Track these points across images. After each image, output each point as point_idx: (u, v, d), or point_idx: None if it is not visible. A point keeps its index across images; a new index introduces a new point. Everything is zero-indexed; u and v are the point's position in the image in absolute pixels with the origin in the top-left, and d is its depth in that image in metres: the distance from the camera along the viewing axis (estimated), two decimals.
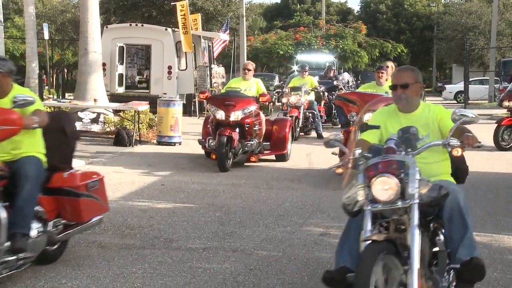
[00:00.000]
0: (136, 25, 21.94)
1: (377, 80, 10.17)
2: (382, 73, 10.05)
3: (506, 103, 13.77)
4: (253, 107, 10.40)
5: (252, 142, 10.49)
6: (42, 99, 15.97)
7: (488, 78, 36.18)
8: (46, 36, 24.05)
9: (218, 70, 24.63)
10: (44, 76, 21.97)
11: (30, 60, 22.63)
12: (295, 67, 30.92)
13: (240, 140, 10.28)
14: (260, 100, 10.67)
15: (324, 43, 36.33)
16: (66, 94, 20.67)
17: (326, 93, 18.08)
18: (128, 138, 12.98)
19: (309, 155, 12.44)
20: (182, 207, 7.53)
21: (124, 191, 8.42)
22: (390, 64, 11.05)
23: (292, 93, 15.47)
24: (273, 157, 11.50)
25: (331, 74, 19.74)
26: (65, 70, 42.83)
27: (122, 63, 21.38)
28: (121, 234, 6.28)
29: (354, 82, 25.87)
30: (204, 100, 11.67)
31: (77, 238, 6.05)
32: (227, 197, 8.24)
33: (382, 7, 58.42)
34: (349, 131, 8.21)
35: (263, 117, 11.05)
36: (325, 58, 32.13)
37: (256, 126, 10.59)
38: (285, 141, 11.38)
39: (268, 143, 11.17)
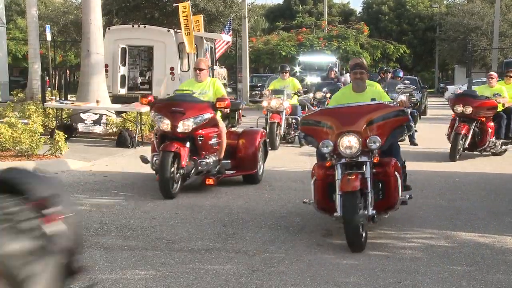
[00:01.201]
0: (139, 26, 21.98)
1: (354, 84, 6.92)
2: (362, 73, 6.78)
3: (459, 108, 11.85)
4: (207, 115, 8.35)
5: (208, 160, 8.38)
6: (44, 100, 16.02)
7: None
8: (49, 38, 24.08)
9: (220, 72, 24.67)
10: (47, 77, 21.98)
11: (32, 62, 22.78)
12: (297, 68, 30.94)
13: (192, 158, 8.26)
14: (217, 105, 8.47)
15: (326, 44, 36.37)
16: (69, 96, 20.68)
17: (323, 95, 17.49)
18: (131, 139, 12.99)
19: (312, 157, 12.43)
20: (184, 208, 7.53)
21: (126, 193, 8.42)
22: (360, 60, 7.88)
23: (274, 96, 13.75)
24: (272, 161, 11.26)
25: (333, 75, 19.69)
26: (68, 72, 42.88)
27: (124, 65, 21.39)
28: (124, 236, 6.28)
29: None
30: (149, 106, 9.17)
31: None
32: (229, 198, 8.24)
33: (384, 8, 58.44)
34: (325, 166, 6.09)
35: (223, 127, 8.88)
36: (327, 59, 32.12)
37: (214, 139, 8.52)
38: (254, 159, 9.24)
39: (229, 161, 9.01)
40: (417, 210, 7.64)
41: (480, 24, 42.97)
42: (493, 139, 12.13)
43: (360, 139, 5.83)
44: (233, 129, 9.63)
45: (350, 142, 5.84)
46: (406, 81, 16.31)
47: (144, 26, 21.96)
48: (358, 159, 5.90)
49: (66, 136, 11.39)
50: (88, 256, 5.57)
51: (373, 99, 6.43)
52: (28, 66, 24.14)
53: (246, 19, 30.54)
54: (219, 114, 8.86)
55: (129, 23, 24.75)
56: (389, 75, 16.20)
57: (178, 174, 8.07)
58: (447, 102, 38.85)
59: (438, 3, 57.08)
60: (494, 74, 12.79)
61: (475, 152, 12.32)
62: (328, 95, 17.94)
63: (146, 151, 12.78)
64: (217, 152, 8.65)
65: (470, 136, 11.85)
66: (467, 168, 11.16)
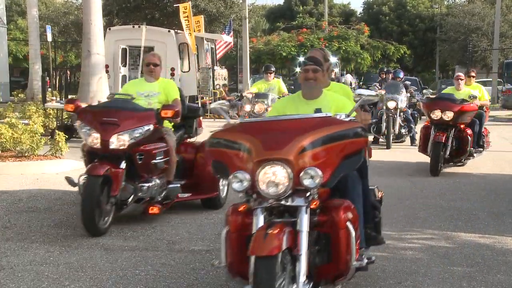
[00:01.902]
0: (139, 27, 22.00)
1: (303, 88, 4.76)
2: (316, 71, 4.68)
3: (438, 114, 10.23)
4: (149, 127, 6.61)
5: (151, 184, 6.69)
6: (45, 100, 16.04)
7: (491, 79, 36.19)
8: (49, 38, 24.13)
9: (221, 72, 24.68)
10: (47, 78, 22.01)
11: (33, 62, 22.84)
12: (298, 69, 30.98)
13: (130, 181, 6.57)
14: (161, 114, 6.70)
15: (326, 44, 36.34)
16: (69, 96, 20.68)
17: None
18: None
19: None
20: (185, 209, 7.53)
21: None
22: (320, 52, 5.34)
23: (257, 100, 12.27)
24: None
25: (333, 76, 19.71)
26: (68, 72, 42.89)
27: (125, 65, 21.42)
28: (124, 236, 6.28)
29: (357, 84, 25.90)
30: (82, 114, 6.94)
31: (80, 240, 6.06)
32: (229, 199, 8.23)
33: (385, 9, 58.42)
34: (241, 212, 4.06)
35: (172, 142, 7.01)
36: None
37: (159, 158, 6.73)
38: (215, 178, 7.33)
39: (182, 183, 7.26)
40: (417, 211, 7.65)
41: (481, 25, 42.94)
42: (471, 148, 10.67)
43: (291, 172, 3.79)
44: (190, 140, 7.93)
45: (275, 176, 3.79)
46: (407, 82, 16.31)
47: (145, 27, 21.98)
48: (287, 202, 3.88)
49: (67, 136, 11.39)
50: (88, 256, 5.57)
51: (317, 110, 4.46)
52: (29, 66, 24.21)
53: (247, 19, 30.55)
54: (169, 124, 7.19)
55: (130, 23, 24.78)
56: (390, 76, 16.21)
57: (109, 204, 6.37)
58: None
59: (439, 3, 57.08)
60: (463, 76, 11.39)
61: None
62: None
63: None
64: (165, 173, 6.92)
65: (450, 145, 10.34)
66: (467, 168, 11.15)
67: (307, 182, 3.80)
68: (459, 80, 11.16)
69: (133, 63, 22.91)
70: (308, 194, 3.87)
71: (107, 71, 17.65)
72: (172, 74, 20.65)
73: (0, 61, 27.25)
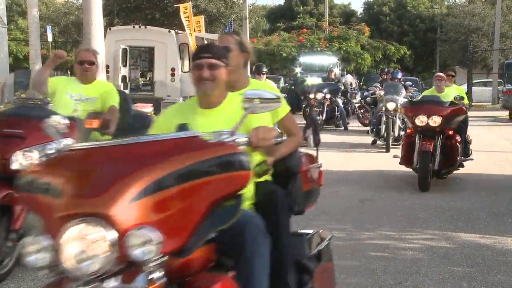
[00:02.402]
0: (139, 27, 22.01)
1: (198, 92, 3.37)
2: (214, 67, 3.15)
3: (423, 119, 8.87)
4: (68, 141, 2.87)
5: None
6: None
7: (491, 80, 36.19)
8: (50, 38, 24.18)
9: None
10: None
11: (33, 62, 22.82)
12: (298, 69, 31.03)
13: None
14: (85, 125, 5.07)
15: (327, 45, 36.37)
16: None
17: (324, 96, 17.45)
18: None
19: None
20: None
21: None
22: (232, 39, 3.71)
23: None
24: None
25: (333, 76, 19.69)
26: (69, 72, 42.87)
27: (125, 65, 21.43)
28: None
29: (357, 84, 25.94)
30: None
31: None
32: None
33: (385, 9, 58.45)
34: None
35: None
36: (328, 60, 32.17)
37: None
38: None
39: None
40: (418, 211, 7.65)
41: (481, 25, 42.92)
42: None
43: (116, 235, 2.13)
44: None
45: (83, 245, 2.11)
46: (408, 83, 16.26)
47: (145, 27, 22.00)
48: (114, 283, 2.19)
49: None
50: None
51: (181, 127, 2.88)
52: (29, 66, 24.20)
53: (247, 20, 30.57)
54: (107, 137, 5.28)
55: (130, 24, 24.80)
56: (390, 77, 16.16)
57: (11, 241, 4.88)
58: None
59: (439, 4, 57.09)
60: (444, 76, 10.03)
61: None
62: (328, 95, 18.00)
63: None
64: None
65: (438, 155, 9.03)
66: (466, 168, 11.16)
67: (136, 252, 2.12)
68: (439, 81, 9.85)
69: (133, 63, 22.94)
70: (152, 271, 2.21)
71: (107, 72, 17.66)
72: (173, 74, 20.68)
73: (0, 61, 27.26)
